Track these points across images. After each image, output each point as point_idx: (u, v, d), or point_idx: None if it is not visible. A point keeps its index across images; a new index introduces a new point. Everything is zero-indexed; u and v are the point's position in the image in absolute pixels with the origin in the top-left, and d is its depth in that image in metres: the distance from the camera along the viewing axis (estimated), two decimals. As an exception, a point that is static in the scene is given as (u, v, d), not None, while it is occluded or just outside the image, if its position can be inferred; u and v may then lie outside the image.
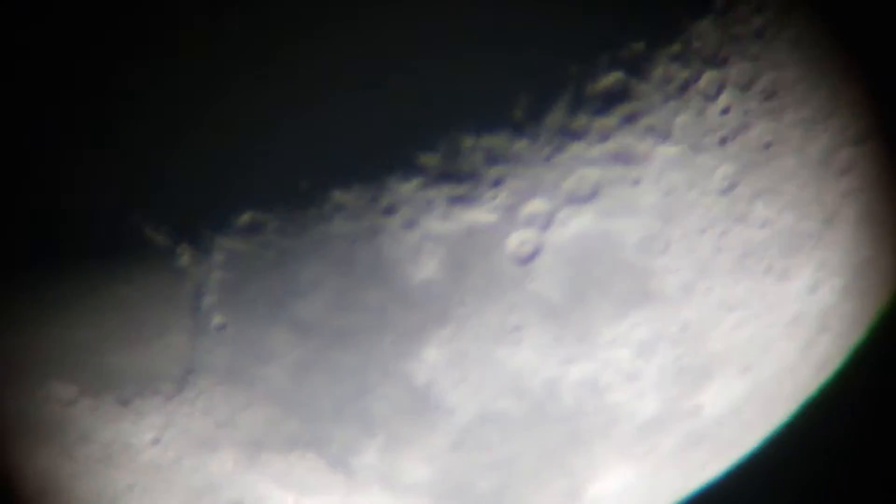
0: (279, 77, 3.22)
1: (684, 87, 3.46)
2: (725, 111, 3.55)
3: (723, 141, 3.58)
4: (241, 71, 3.20)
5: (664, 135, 3.49)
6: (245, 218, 3.37)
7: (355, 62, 3.22)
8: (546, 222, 3.51)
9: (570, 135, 3.39)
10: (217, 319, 3.53)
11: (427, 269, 3.50)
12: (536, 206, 3.48)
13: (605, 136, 3.43)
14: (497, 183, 3.41)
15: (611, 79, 3.38)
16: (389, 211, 3.40)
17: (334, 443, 3.83)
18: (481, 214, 3.45)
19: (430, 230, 3.45)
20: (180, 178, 3.30)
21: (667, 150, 3.51)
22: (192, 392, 3.69)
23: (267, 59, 3.20)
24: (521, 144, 3.37)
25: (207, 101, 3.22)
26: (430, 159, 3.34)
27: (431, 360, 3.69)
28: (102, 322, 3.54)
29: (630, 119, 3.44)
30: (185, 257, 3.43)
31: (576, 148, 3.42)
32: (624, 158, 3.48)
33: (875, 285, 4.40)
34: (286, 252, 3.43)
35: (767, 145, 3.66)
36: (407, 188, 3.36)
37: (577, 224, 3.55)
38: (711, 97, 3.51)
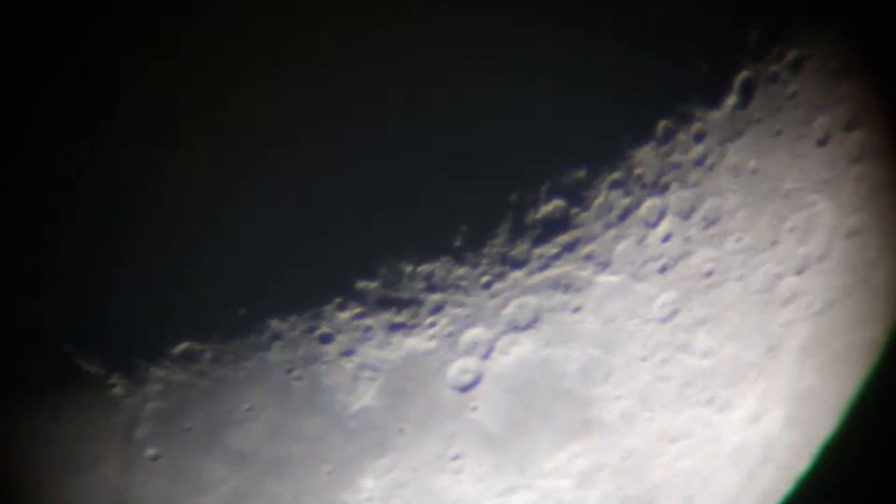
0: (214, 208, 3.21)
1: (625, 215, 3.49)
2: (666, 239, 3.57)
3: (663, 269, 3.60)
4: (172, 202, 3.20)
5: (605, 263, 3.51)
6: (181, 347, 3.35)
7: (294, 188, 3.22)
8: (486, 350, 3.51)
9: (511, 262, 3.41)
10: (151, 451, 3.50)
11: (365, 397, 3.50)
12: (477, 333, 3.48)
13: (545, 264, 3.44)
14: (437, 310, 3.42)
15: (551, 207, 3.38)
16: (327, 339, 3.39)
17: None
18: (421, 342, 3.45)
19: (369, 358, 3.44)
20: (114, 307, 3.28)
21: (607, 279, 3.53)
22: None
23: (205, 187, 3.20)
24: (461, 272, 3.38)
25: (143, 229, 3.21)
26: (368, 286, 3.34)
27: (369, 490, 3.67)
28: (31, 457, 3.50)
29: (570, 247, 3.45)
30: (118, 388, 3.40)
31: (516, 276, 3.43)
32: (564, 286, 3.49)
33: (818, 416, 4.42)
34: (222, 381, 3.41)
35: (709, 273, 3.68)
36: (344, 316, 3.36)
37: (517, 352, 3.55)
38: (652, 225, 3.53)
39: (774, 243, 3.79)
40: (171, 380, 3.40)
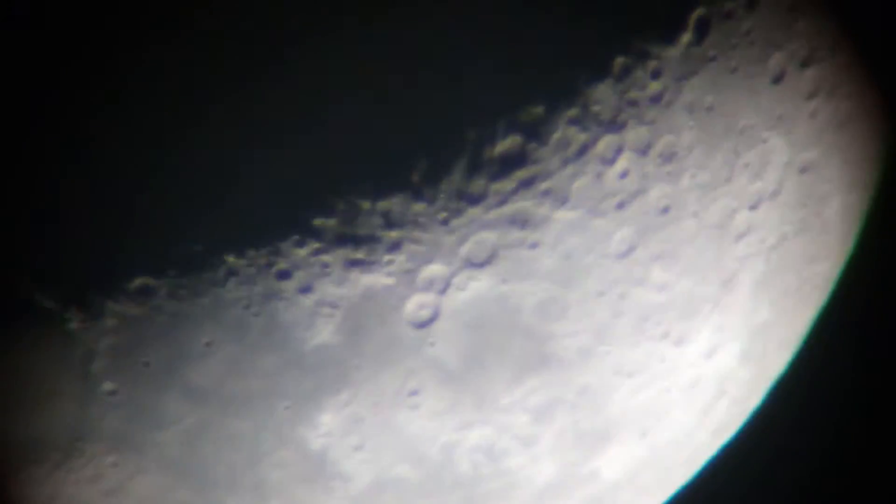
0: (175, 139, 3.21)
1: (582, 152, 3.50)
2: (623, 175, 3.59)
3: (620, 205, 3.63)
4: (135, 135, 3.19)
5: (562, 199, 3.52)
6: (137, 282, 3.36)
7: (252, 125, 3.22)
8: (444, 286, 3.53)
9: (468, 199, 3.42)
10: (107, 385, 3.51)
11: (323, 333, 3.51)
12: (434, 270, 3.50)
13: (502, 200, 3.46)
14: (394, 247, 3.43)
15: (508, 143, 3.40)
16: (284, 275, 3.41)
17: (227, 511, 3.81)
18: (379, 278, 3.47)
19: (327, 294, 3.45)
20: (70, 241, 3.28)
21: (565, 215, 3.55)
22: (80, 460, 3.66)
23: (163, 121, 3.19)
24: (418, 208, 3.39)
25: (98, 166, 3.20)
26: (326, 223, 3.35)
27: (327, 425, 3.69)
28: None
29: (528, 183, 3.47)
30: (74, 322, 3.41)
31: (473, 212, 3.45)
32: (521, 222, 3.51)
33: (772, 350, 4.48)
34: (179, 317, 3.42)
35: (665, 209, 3.71)
36: (302, 252, 3.37)
37: (474, 288, 3.57)
38: (609, 161, 3.55)
39: (729, 179, 3.82)
40: (127, 314, 3.41)
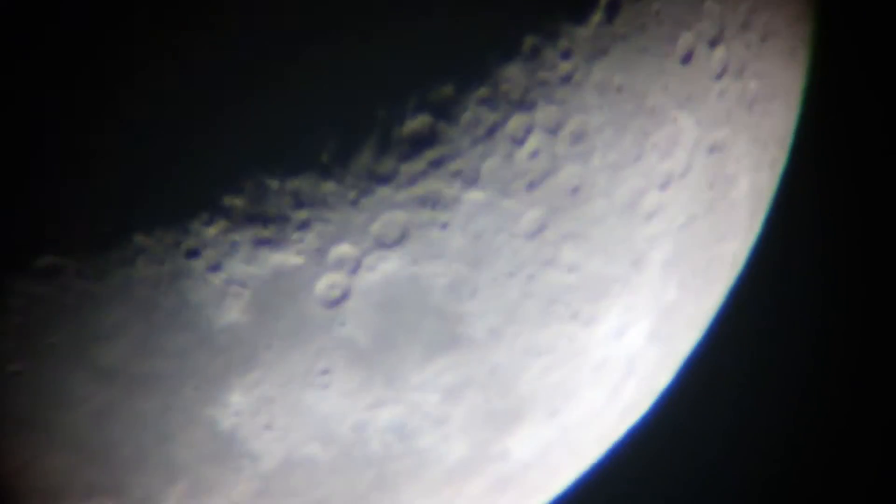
0: (82, 118, 3.22)
1: (492, 131, 3.55)
2: (533, 155, 3.64)
3: (531, 185, 3.68)
4: (40, 113, 3.19)
5: (472, 179, 3.57)
6: (43, 261, 3.36)
7: (160, 104, 3.23)
8: (354, 266, 3.57)
9: (378, 178, 3.46)
10: (13, 366, 3.51)
11: (232, 312, 3.54)
12: (344, 249, 3.54)
13: (412, 181, 3.50)
14: (304, 226, 3.47)
15: (418, 122, 3.45)
16: (193, 254, 3.43)
17: (135, 490, 3.82)
18: (288, 257, 3.50)
19: (235, 273, 3.48)
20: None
21: (475, 195, 3.60)
22: (-15, 440, 3.67)
23: (70, 99, 3.20)
24: (327, 187, 3.43)
25: (3, 144, 3.20)
26: (235, 201, 3.37)
27: (236, 405, 3.72)
28: None
29: (438, 163, 3.51)
30: (-21, 302, 3.41)
31: (383, 192, 3.49)
32: (432, 203, 3.55)
33: (680, 330, 4.56)
34: (86, 296, 3.42)
35: (575, 189, 3.77)
36: (211, 231, 3.39)
37: (385, 268, 3.62)
38: (519, 141, 3.61)
39: (638, 159, 3.88)
40: (33, 294, 3.41)
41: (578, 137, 3.71)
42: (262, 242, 3.46)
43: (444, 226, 3.62)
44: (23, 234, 3.32)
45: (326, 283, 3.58)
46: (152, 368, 3.58)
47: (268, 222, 3.44)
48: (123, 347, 3.52)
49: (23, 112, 3.19)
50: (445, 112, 3.49)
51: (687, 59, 3.86)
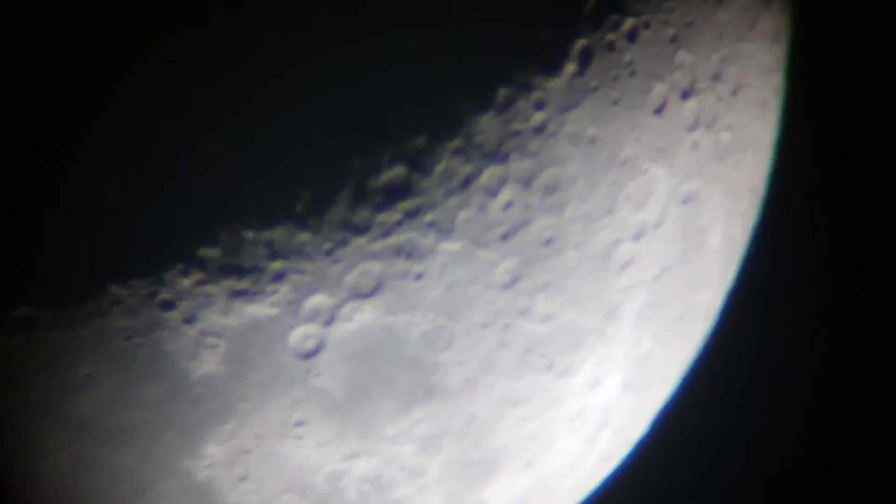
0: (55, 169, 3.22)
1: (466, 183, 3.57)
2: (507, 206, 3.66)
3: (505, 236, 3.70)
4: (9, 160, 3.20)
5: (447, 230, 3.59)
6: (17, 313, 3.36)
7: (133, 154, 3.24)
8: (329, 317, 3.57)
9: (353, 229, 3.48)
10: (-15, 417, 3.51)
11: (207, 363, 3.54)
12: (319, 300, 3.54)
13: (387, 231, 3.52)
14: (279, 277, 3.47)
15: (393, 174, 3.47)
16: (168, 306, 3.43)
17: (109, 543, 3.80)
18: (263, 308, 3.51)
19: (211, 325, 3.48)
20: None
21: (449, 245, 3.61)
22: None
23: (40, 149, 3.20)
24: (303, 238, 3.44)
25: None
26: (210, 253, 3.38)
27: (212, 456, 3.71)
28: None
29: (412, 214, 3.53)
30: (-47, 353, 3.40)
31: (358, 242, 3.50)
32: (406, 253, 3.57)
33: (654, 380, 4.57)
34: (60, 348, 3.42)
35: (549, 241, 3.79)
36: (186, 282, 3.40)
37: (360, 319, 3.62)
38: (493, 192, 3.62)
39: (612, 210, 3.90)
40: (7, 346, 3.40)
41: (552, 189, 3.72)
42: (237, 294, 3.47)
43: (419, 276, 3.63)
44: (-3, 286, 3.33)
45: (301, 334, 3.58)
46: (127, 419, 3.58)
47: (243, 274, 3.45)
48: (98, 398, 3.52)
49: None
50: (420, 163, 3.50)
51: (660, 110, 3.89)
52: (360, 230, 3.49)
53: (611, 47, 3.70)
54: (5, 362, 3.42)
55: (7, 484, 3.64)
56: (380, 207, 3.49)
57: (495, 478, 4.24)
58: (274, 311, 3.52)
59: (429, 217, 3.56)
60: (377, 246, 3.53)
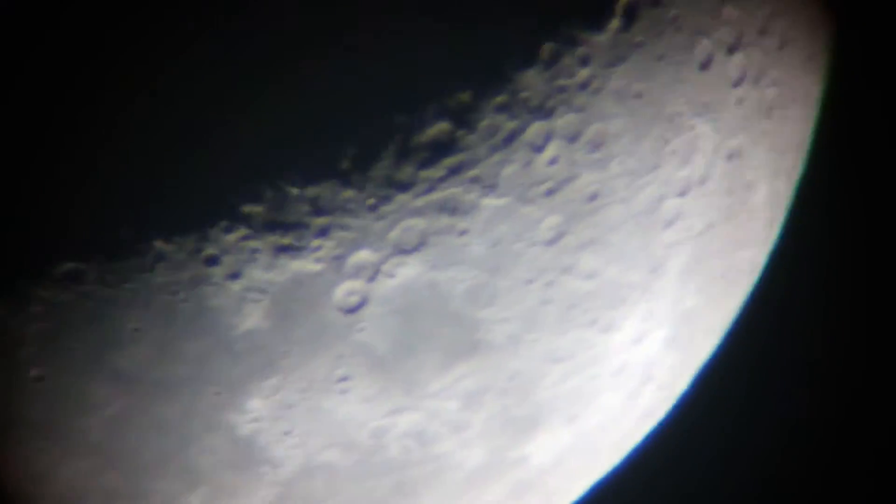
0: (100, 123, 3.23)
1: (511, 139, 3.55)
2: (552, 162, 3.64)
3: (549, 192, 3.68)
4: (57, 117, 3.20)
5: (491, 186, 3.57)
6: (64, 267, 3.38)
7: (177, 110, 3.24)
8: (373, 273, 3.57)
9: (397, 185, 3.47)
10: (34, 372, 3.53)
11: (251, 319, 3.55)
12: (363, 256, 3.54)
13: (431, 187, 3.51)
14: (323, 233, 3.47)
15: (437, 129, 3.45)
16: (212, 261, 3.44)
17: (155, 496, 3.83)
18: (307, 264, 3.51)
19: (255, 280, 3.49)
20: (-4, 227, 3.30)
21: (493, 202, 3.60)
22: (5, 446, 3.68)
23: (92, 108, 3.20)
24: (347, 194, 3.43)
25: (23, 149, 3.21)
26: (254, 209, 3.38)
27: (256, 411, 3.73)
28: None
29: (456, 170, 3.52)
30: (1, 309, 3.42)
31: (402, 199, 3.49)
32: (450, 209, 3.56)
33: (698, 336, 4.56)
34: (107, 302, 3.44)
35: (593, 196, 3.77)
36: (230, 238, 3.40)
37: (403, 275, 3.62)
38: (538, 148, 3.60)
39: (657, 166, 3.87)
40: (54, 300, 3.42)
41: (597, 144, 3.70)
42: (281, 250, 3.47)
43: (463, 232, 3.62)
44: (43, 241, 3.34)
45: (345, 289, 3.59)
46: (172, 374, 3.60)
47: (287, 230, 3.45)
48: (143, 353, 3.54)
49: (37, 118, 3.20)
50: (464, 119, 3.48)
51: (705, 65, 3.86)
52: (404, 186, 3.49)
53: (656, 2, 3.67)
54: (52, 316, 3.44)
55: (53, 437, 3.66)
56: (424, 164, 3.48)
57: (538, 433, 4.25)
58: (318, 267, 3.52)
59: (473, 173, 3.54)
60: (421, 202, 3.53)
